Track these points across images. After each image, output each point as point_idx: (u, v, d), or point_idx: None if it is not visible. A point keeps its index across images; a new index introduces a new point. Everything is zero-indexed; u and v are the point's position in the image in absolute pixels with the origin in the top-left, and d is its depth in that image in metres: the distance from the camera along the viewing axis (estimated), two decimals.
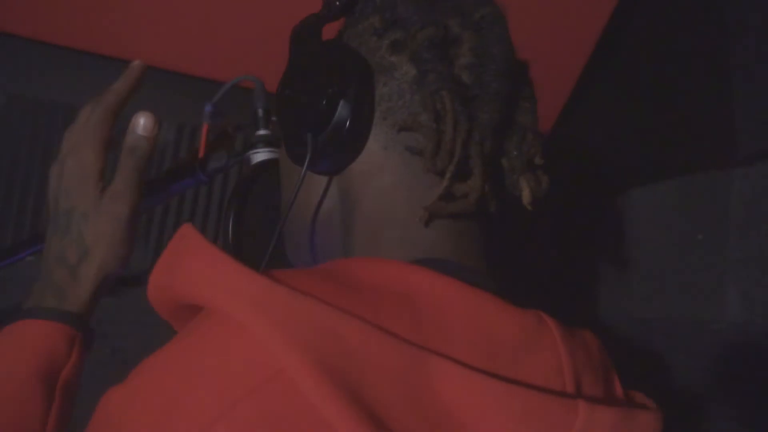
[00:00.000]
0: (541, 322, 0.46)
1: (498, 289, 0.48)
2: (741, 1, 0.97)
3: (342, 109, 0.51)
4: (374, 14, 0.54)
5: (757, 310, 0.89)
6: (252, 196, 0.64)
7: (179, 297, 0.43)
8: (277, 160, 0.67)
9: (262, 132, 0.69)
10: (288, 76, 0.56)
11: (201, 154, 0.67)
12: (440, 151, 0.50)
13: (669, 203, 1.05)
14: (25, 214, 1.07)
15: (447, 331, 0.42)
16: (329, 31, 0.57)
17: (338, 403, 0.35)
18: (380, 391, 0.37)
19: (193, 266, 0.42)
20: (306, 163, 0.51)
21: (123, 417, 0.40)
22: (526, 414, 0.40)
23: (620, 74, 1.18)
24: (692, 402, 0.94)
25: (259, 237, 0.64)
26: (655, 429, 0.47)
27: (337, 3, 0.55)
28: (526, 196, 0.55)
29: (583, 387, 0.46)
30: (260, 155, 0.67)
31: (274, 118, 0.70)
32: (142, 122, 0.60)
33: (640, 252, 1.10)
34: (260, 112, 0.69)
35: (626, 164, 1.13)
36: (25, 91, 1.07)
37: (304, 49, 0.56)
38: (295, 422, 0.36)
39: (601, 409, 0.42)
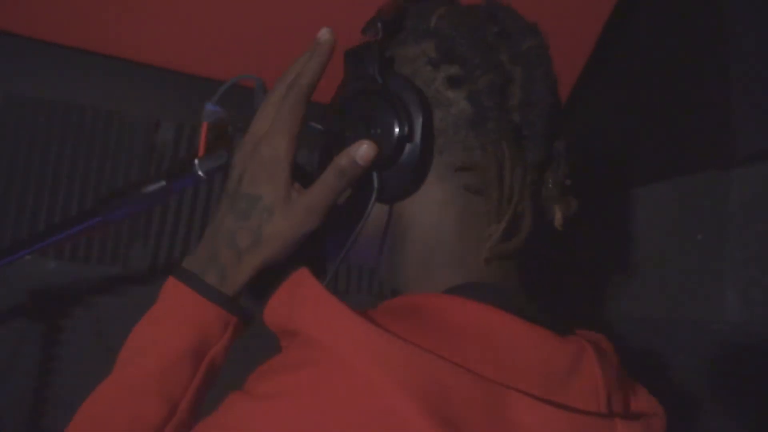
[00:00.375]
0: (582, 348, 0.52)
1: (534, 308, 0.54)
2: (740, 3, 0.97)
3: (408, 150, 0.54)
4: (427, 40, 0.56)
5: (756, 310, 0.89)
6: None
7: (293, 327, 0.47)
8: None
9: None
10: (341, 108, 0.57)
11: (201, 152, 0.67)
12: (502, 196, 0.54)
13: (668, 204, 1.05)
14: (23, 214, 1.07)
15: (516, 365, 0.47)
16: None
17: (437, 429, 0.40)
18: (467, 420, 0.42)
19: (312, 308, 0.46)
20: (372, 200, 0.55)
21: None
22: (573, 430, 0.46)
23: (618, 75, 1.18)
24: (692, 401, 0.94)
25: None
26: (663, 429, 0.53)
27: (380, 25, 0.56)
28: (558, 219, 0.59)
29: (612, 404, 0.52)
30: None
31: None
32: (364, 149, 0.54)
33: (639, 252, 1.09)
34: None
35: (625, 165, 1.13)
36: (23, 90, 1.07)
37: (362, 81, 0.56)
38: None
39: (633, 425, 0.49)
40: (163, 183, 0.68)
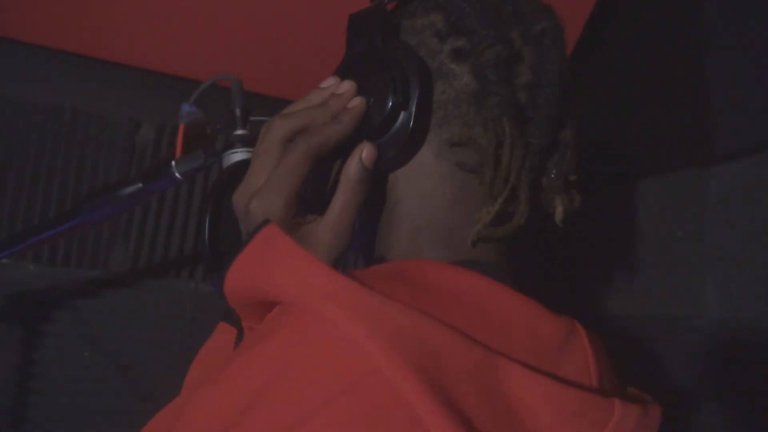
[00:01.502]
0: (573, 326, 0.50)
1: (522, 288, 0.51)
2: (718, 2, 0.98)
3: (402, 120, 0.51)
4: (436, 12, 0.54)
5: (733, 306, 0.90)
6: (229, 195, 0.63)
7: (261, 294, 0.43)
8: None
9: (239, 132, 0.68)
10: (343, 73, 0.54)
11: (178, 154, 0.66)
12: (496, 176, 0.51)
13: (647, 201, 1.06)
14: (1, 215, 1.05)
15: (507, 333, 0.44)
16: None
17: (431, 401, 0.37)
18: (460, 390, 0.39)
19: (285, 266, 0.42)
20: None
21: (215, 412, 0.39)
22: (574, 411, 0.43)
23: (598, 74, 1.19)
24: (672, 396, 0.95)
25: (237, 236, 0.64)
26: (659, 420, 0.50)
27: None
28: (559, 214, 0.57)
29: (604, 386, 0.49)
30: (238, 155, 0.67)
31: (252, 118, 0.69)
32: (366, 151, 0.50)
33: (618, 250, 1.10)
34: (238, 111, 0.68)
35: (605, 163, 1.14)
36: (1, 90, 1.05)
37: (363, 45, 0.54)
38: (389, 417, 0.37)
39: (630, 406, 0.46)
40: (140, 185, 0.68)
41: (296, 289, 0.41)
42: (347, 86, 0.52)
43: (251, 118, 0.70)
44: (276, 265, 0.42)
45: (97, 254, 1.10)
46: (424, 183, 0.53)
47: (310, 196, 0.57)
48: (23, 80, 1.06)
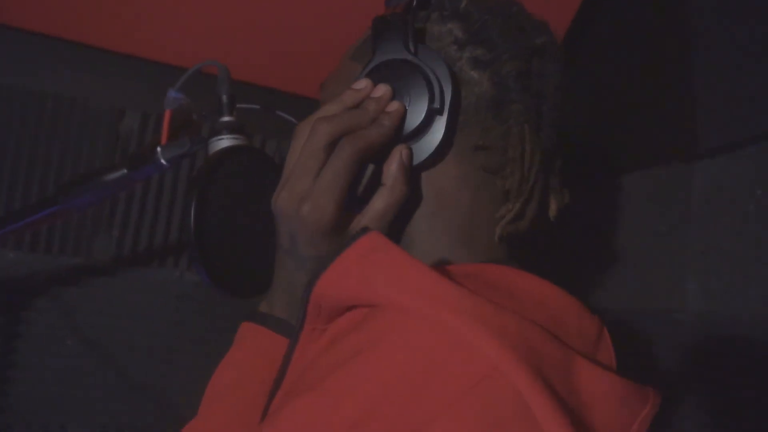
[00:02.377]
0: (601, 324, 0.55)
1: None
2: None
3: (437, 125, 0.54)
4: (453, 21, 0.57)
5: (716, 300, 0.90)
6: (215, 183, 0.63)
7: (360, 298, 0.44)
8: (240, 147, 0.66)
9: (226, 118, 0.68)
10: (374, 76, 0.55)
11: (163, 140, 0.66)
12: (522, 178, 0.55)
13: (631, 196, 1.07)
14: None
15: (566, 329, 0.48)
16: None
17: (546, 398, 0.38)
18: (557, 385, 0.40)
19: (397, 273, 0.43)
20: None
21: (325, 423, 0.39)
22: (623, 399, 0.46)
23: (583, 69, 1.19)
24: (654, 390, 0.96)
25: (222, 224, 0.63)
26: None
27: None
28: (553, 210, 0.61)
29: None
30: (224, 142, 0.66)
31: (238, 105, 0.69)
32: (405, 152, 0.53)
33: (602, 243, 1.11)
34: (224, 98, 0.68)
35: (589, 157, 1.14)
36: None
37: (393, 49, 0.55)
38: (510, 416, 0.38)
39: (657, 395, 0.51)
40: (124, 171, 0.67)
41: (410, 294, 0.41)
42: (384, 90, 0.54)
43: (238, 105, 0.69)
44: (388, 270, 0.43)
45: (80, 241, 1.09)
46: (445, 183, 0.56)
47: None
48: (4, 66, 1.04)
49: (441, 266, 0.52)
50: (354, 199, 0.55)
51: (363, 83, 0.55)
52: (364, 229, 0.46)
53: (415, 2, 0.55)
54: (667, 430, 0.91)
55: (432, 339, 0.39)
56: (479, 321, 0.39)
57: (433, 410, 0.37)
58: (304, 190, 0.51)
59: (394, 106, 0.53)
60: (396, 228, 0.57)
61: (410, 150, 0.53)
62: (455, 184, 0.56)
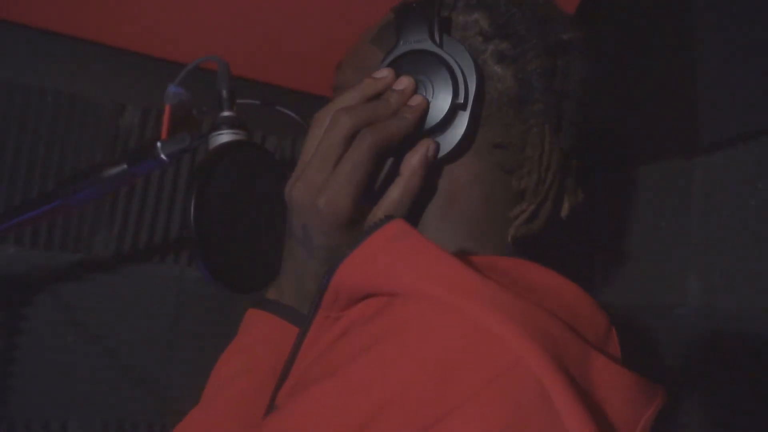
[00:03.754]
0: (609, 319, 0.55)
1: None
2: None
3: (460, 119, 0.53)
4: (480, 11, 0.55)
5: (716, 295, 0.90)
6: (215, 178, 0.63)
7: (380, 286, 0.43)
8: (240, 142, 0.66)
9: (226, 113, 0.68)
10: (397, 65, 0.54)
11: (164, 135, 0.65)
12: (539, 181, 0.54)
13: (632, 191, 1.07)
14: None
15: (582, 323, 0.48)
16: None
17: (568, 391, 0.38)
18: (576, 378, 0.40)
19: (421, 262, 0.42)
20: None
21: (343, 411, 0.38)
22: (634, 393, 0.46)
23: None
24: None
25: (223, 219, 0.63)
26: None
27: None
28: (565, 209, 0.60)
29: None
30: (224, 137, 0.66)
31: (238, 100, 0.69)
32: (432, 148, 0.52)
33: (602, 239, 1.11)
34: (224, 93, 0.68)
35: (588, 153, 1.14)
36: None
37: (417, 39, 0.54)
38: (532, 407, 0.37)
39: (664, 390, 0.51)
40: (124, 167, 0.67)
41: (433, 282, 0.41)
42: (407, 82, 0.53)
43: (238, 101, 0.69)
44: (412, 258, 0.43)
45: (80, 237, 1.09)
46: (461, 178, 0.55)
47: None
48: (4, 61, 1.04)
49: (462, 256, 0.51)
50: (371, 191, 0.54)
51: (385, 72, 0.53)
52: (389, 217, 0.45)
53: None
54: (669, 425, 0.91)
55: (456, 328, 0.39)
56: (503, 311, 0.39)
57: (456, 399, 0.37)
58: (321, 182, 0.50)
59: (417, 99, 0.52)
60: (409, 219, 0.56)
61: (437, 146, 0.52)
62: (470, 179, 0.55)
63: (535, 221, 0.56)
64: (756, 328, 0.84)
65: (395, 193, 0.51)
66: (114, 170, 0.67)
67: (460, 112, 0.53)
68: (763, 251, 0.85)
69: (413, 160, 0.51)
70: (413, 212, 0.55)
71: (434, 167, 0.54)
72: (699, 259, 0.94)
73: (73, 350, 1.08)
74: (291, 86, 1.13)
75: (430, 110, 0.53)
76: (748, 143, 0.89)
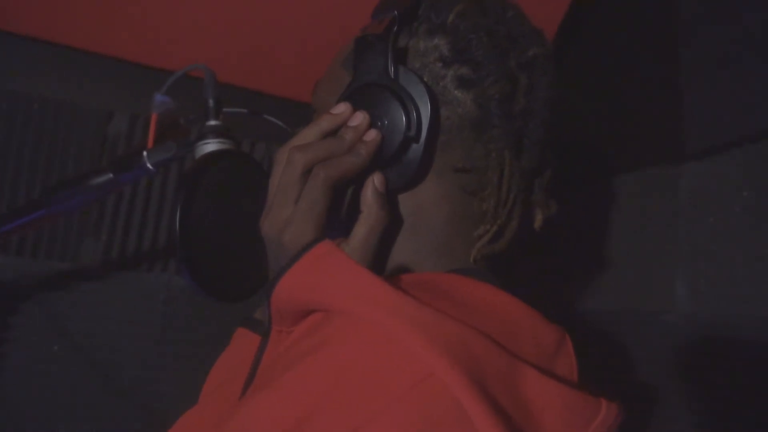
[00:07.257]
0: (563, 334, 0.55)
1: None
2: (692, 2, 0.99)
3: (414, 151, 0.54)
4: (440, 36, 0.56)
5: (703, 302, 0.91)
6: (200, 187, 0.62)
7: (312, 303, 0.46)
8: (225, 151, 0.66)
9: (212, 122, 0.67)
10: (354, 99, 0.55)
11: (150, 144, 0.65)
12: (499, 202, 0.56)
13: (619, 197, 1.07)
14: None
15: (519, 339, 0.49)
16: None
17: (480, 402, 0.40)
18: (497, 391, 0.42)
19: (344, 279, 0.45)
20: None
21: (273, 419, 0.41)
22: (573, 408, 0.47)
23: (573, 72, 1.20)
24: (643, 391, 0.96)
25: (208, 229, 0.63)
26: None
27: (396, 14, 0.54)
28: (538, 221, 0.61)
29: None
30: (210, 146, 0.66)
31: (225, 109, 0.69)
32: (378, 178, 0.54)
33: (590, 245, 1.11)
34: (211, 102, 0.68)
35: (578, 160, 1.15)
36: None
37: (372, 72, 0.55)
38: (446, 421, 0.39)
39: (611, 405, 0.51)
40: (110, 175, 0.67)
41: (355, 300, 0.43)
42: (361, 118, 0.54)
43: (225, 109, 0.69)
44: (335, 277, 0.45)
45: (67, 245, 1.08)
46: (423, 201, 0.57)
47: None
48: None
49: (395, 275, 0.53)
50: (339, 221, 0.56)
51: (342, 108, 0.55)
52: (316, 240, 0.48)
53: (397, 22, 0.54)
54: (657, 431, 0.91)
55: (372, 343, 0.41)
56: (418, 327, 0.41)
57: (372, 410, 0.39)
58: (285, 218, 0.52)
59: (371, 135, 0.54)
60: (383, 245, 0.58)
61: (383, 177, 0.54)
62: (435, 200, 0.57)
63: (500, 240, 0.57)
64: (743, 334, 0.85)
65: (361, 230, 0.53)
66: (100, 179, 0.67)
67: (415, 145, 0.54)
68: (749, 258, 0.85)
69: (366, 195, 0.53)
70: (385, 238, 0.56)
71: (394, 194, 0.56)
72: (686, 266, 0.94)
73: (60, 359, 1.07)
74: (279, 94, 1.13)
75: (385, 143, 0.54)
76: (733, 150, 0.89)
